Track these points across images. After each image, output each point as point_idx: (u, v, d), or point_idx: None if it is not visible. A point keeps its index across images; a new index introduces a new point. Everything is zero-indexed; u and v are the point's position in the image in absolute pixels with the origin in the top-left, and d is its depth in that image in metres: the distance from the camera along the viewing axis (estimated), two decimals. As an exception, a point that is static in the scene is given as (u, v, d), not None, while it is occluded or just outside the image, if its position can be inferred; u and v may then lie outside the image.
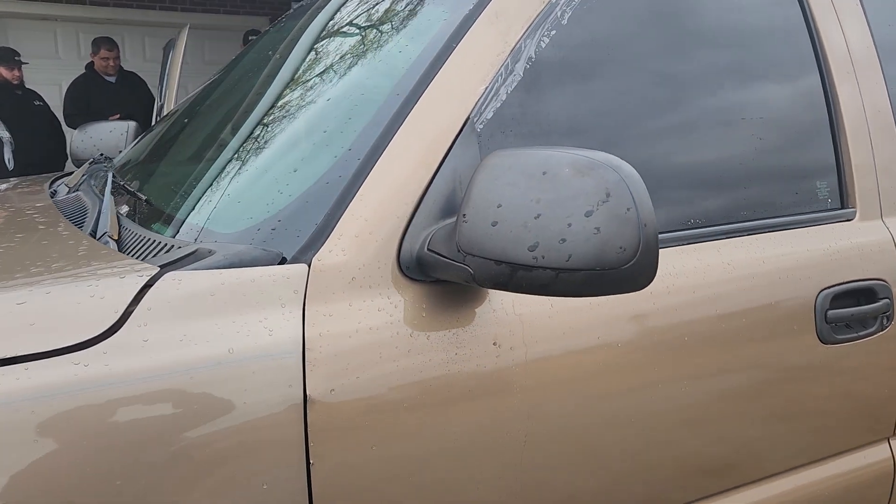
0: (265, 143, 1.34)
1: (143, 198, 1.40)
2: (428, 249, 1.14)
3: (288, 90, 1.45)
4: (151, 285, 1.04)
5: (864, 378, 1.54)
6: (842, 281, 1.50)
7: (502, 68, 1.28)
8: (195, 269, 1.08)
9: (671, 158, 1.41)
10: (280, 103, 1.43)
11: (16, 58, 5.57)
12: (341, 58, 1.44)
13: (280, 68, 1.54)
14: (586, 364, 1.24)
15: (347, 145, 1.22)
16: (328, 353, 1.07)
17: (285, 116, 1.38)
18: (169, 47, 3.74)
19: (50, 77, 7.53)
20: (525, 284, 0.99)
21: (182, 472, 0.99)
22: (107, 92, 5.80)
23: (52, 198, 1.69)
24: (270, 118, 1.40)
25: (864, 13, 1.68)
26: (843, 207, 1.58)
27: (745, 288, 1.39)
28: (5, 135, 4.19)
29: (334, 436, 1.07)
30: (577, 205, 0.95)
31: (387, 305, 1.13)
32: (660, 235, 1.32)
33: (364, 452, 1.09)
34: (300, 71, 1.49)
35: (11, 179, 2.28)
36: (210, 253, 1.11)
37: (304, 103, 1.38)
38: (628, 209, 0.94)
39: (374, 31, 1.45)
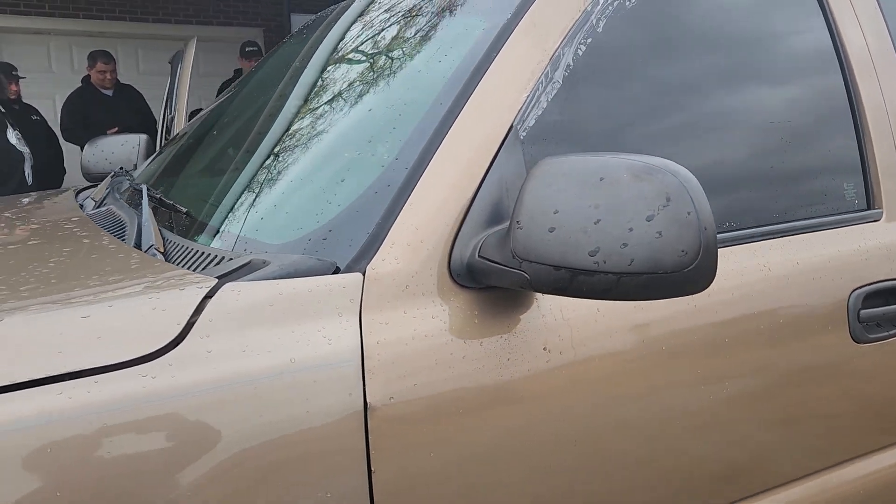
0: (307, 153, 1.35)
1: (184, 210, 1.41)
2: (479, 256, 1.15)
3: (325, 101, 1.46)
4: (211, 296, 1.05)
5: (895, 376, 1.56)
6: (872, 280, 1.52)
7: (542, 76, 1.30)
8: (252, 280, 1.08)
9: (704, 163, 1.43)
10: (318, 114, 1.44)
11: (13, 72, 5.56)
12: (378, 68, 1.45)
13: (313, 78, 1.55)
14: (632, 366, 1.26)
15: (394, 155, 1.23)
16: (386, 361, 1.08)
17: (325, 127, 1.39)
18: (177, 60, 3.74)
19: (44, 91, 7.50)
20: (585, 289, 1.01)
21: (246, 480, 0.99)
22: (104, 105, 5.79)
23: (82, 211, 1.70)
24: (310, 129, 1.41)
25: (882, 13, 1.71)
26: (869, 208, 1.61)
27: (780, 289, 1.41)
28: (25, 150, 4.17)
29: (394, 443, 1.08)
30: (637, 210, 0.97)
31: (439, 313, 1.14)
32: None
33: (423, 458, 1.10)
34: (336, 81, 1.50)
35: (32, 193, 2.28)
36: (264, 263, 1.12)
37: (343, 114, 1.39)
38: (689, 213, 0.95)
39: (410, 41, 1.47)
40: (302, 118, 1.46)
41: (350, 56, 1.54)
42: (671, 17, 1.46)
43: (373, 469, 1.06)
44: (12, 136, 4.06)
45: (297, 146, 1.39)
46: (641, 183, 0.98)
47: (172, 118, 3.27)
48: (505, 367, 1.16)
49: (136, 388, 0.94)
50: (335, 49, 1.60)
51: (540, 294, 1.22)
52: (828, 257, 1.47)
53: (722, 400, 1.34)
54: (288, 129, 1.45)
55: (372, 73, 1.45)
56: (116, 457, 0.92)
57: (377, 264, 1.13)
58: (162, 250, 1.28)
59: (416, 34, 1.47)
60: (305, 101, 1.51)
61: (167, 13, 8.18)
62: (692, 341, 1.31)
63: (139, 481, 0.93)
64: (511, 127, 1.25)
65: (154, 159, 2.12)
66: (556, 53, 1.32)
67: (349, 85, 1.46)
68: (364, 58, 1.50)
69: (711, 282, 0.99)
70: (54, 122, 6.09)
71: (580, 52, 1.34)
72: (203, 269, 1.18)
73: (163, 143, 3.93)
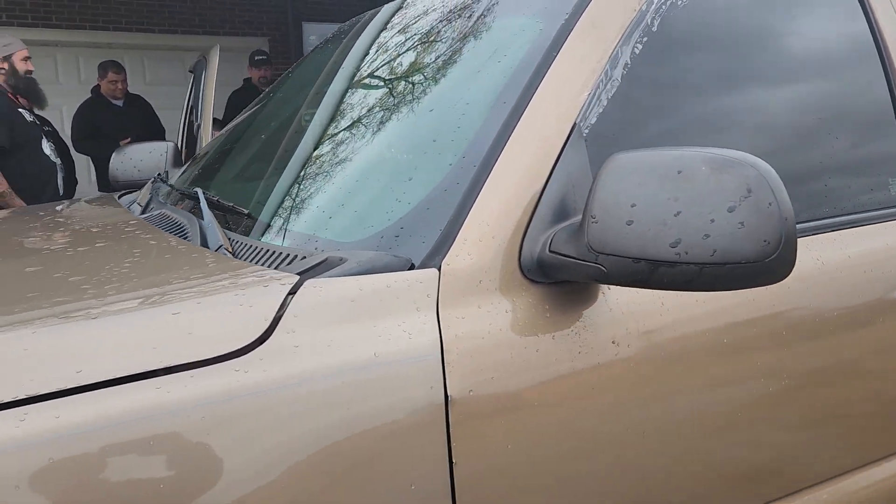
0: (370, 154, 1.37)
1: (245, 211, 1.43)
2: (550, 251, 1.17)
3: (384, 101, 1.49)
4: (294, 293, 1.07)
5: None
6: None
7: (602, 75, 1.32)
8: (332, 277, 1.10)
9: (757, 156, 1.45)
10: (379, 114, 1.46)
11: (26, 83, 5.57)
12: (434, 68, 1.47)
13: (369, 79, 1.57)
14: (696, 357, 1.27)
15: (461, 153, 1.25)
16: (464, 355, 1.10)
17: (387, 127, 1.41)
18: (200, 68, 3.76)
19: (51, 102, 7.50)
20: (667, 280, 1.03)
21: (333, 472, 1.01)
22: (115, 115, 5.80)
23: (134, 215, 1.71)
24: (372, 129, 1.43)
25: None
26: (915, 202, 1.63)
27: (835, 281, 1.43)
28: (58, 161, 4.20)
29: (473, 435, 1.09)
30: (718, 201, 0.99)
31: (512, 307, 1.16)
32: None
33: (501, 450, 1.11)
34: (392, 82, 1.52)
35: (72, 200, 2.29)
36: (341, 260, 1.14)
37: (404, 114, 1.41)
38: (770, 203, 0.97)
39: (465, 42, 1.49)
40: (362, 119, 1.48)
41: (405, 56, 1.56)
42: (720, 14, 1.49)
43: (454, 461, 1.08)
44: (46, 148, 4.08)
45: (359, 147, 1.41)
46: (721, 175, 1.00)
47: (198, 126, 3.29)
48: (577, 360, 1.18)
49: (230, 383, 0.96)
50: (387, 49, 1.62)
51: (606, 287, 1.24)
52: (880, 251, 1.50)
53: (782, 392, 1.35)
54: (348, 130, 1.47)
55: (429, 74, 1.47)
56: (215, 448, 0.93)
57: (451, 260, 1.14)
58: (230, 250, 1.29)
59: (470, 35, 1.50)
60: (363, 101, 1.53)
61: (173, 24, 8.21)
62: (753, 334, 1.33)
63: (236, 471, 0.94)
64: (574, 125, 1.27)
65: (193, 165, 2.14)
66: (615, 52, 1.34)
67: (407, 85, 1.48)
68: (419, 58, 1.53)
69: (790, 271, 1.01)
70: (63, 134, 6.10)
71: (637, 51, 1.37)
72: (276, 267, 1.20)
73: (184, 148, 3.93)
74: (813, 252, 1.43)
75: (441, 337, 1.09)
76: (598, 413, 1.19)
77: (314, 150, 1.47)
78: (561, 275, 1.17)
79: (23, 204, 3.81)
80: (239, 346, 0.99)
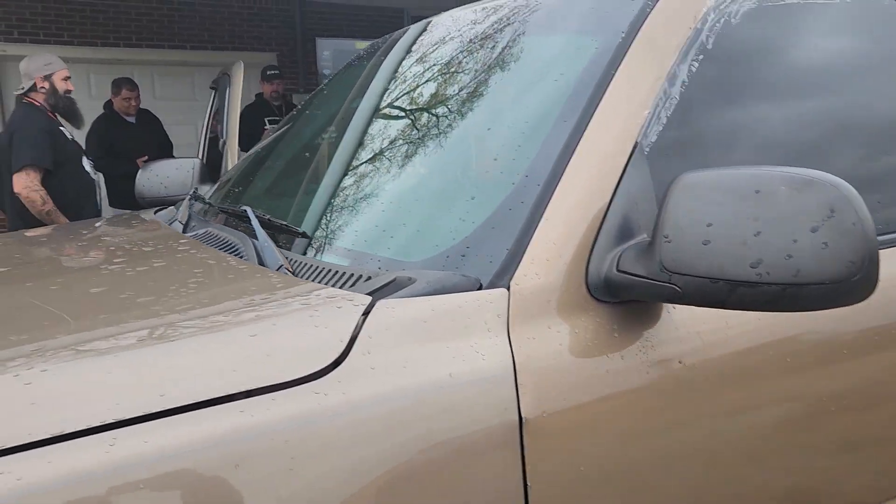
0: (430, 172, 1.37)
1: (298, 230, 1.42)
2: (618, 270, 1.17)
3: (439, 119, 1.48)
4: (368, 314, 1.06)
5: None
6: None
7: (661, 92, 1.32)
8: (404, 297, 1.10)
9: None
10: (435, 133, 1.46)
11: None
12: (488, 86, 1.47)
13: (420, 95, 1.57)
14: (762, 374, 1.27)
15: (523, 171, 1.25)
16: (536, 376, 1.09)
17: (445, 146, 1.41)
18: (223, 83, 3.77)
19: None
20: (746, 301, 1.02)
21: (410, 493, 1.00)
22: (129, 132, 5.81)
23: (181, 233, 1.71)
24: (429, 148, 1.43)
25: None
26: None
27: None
28: (96, 178, 4.19)
29: (547, 457, 1.08)
30: (800, 221, 0.99)
31: (581, 327, 1.15)
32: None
33: (574, 472, 1.10)
34: (445, 100, 1.52)
35: (110, 217, 2.28)
36: (410, 280, 1.14)
37: (461, 132, 1.41)
38: (854, 223, 0.97)
39: (519, 61, 1.49)
40: (417, 136, 1.48)
41: (457, 72, 1.55)
42: (774, 30, 1.49)
43: (528, 484, 1.07)
44: (86, 164, 4.08)
45: (416, 165, 1.41)
46: (802, 195, 1.00)
47: (224, 142, 3.30)
48: (645, 380, 1.17)
49: (311, 405, 0.95)
50: (439, 65, 1.61)
51: (670, 306, 1.23)
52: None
53: (847, 409, 1.35)
54: (404, 148, 1.46)
55: (483, 91, 1.47)
56: (299, 471, 0.92)
57: (520, 279, 1.14)
58: (291, 269, 1.29)
59: (523, 52, 1.50)
60: (418, 118, 1.52)
61: (182, 39, 8.25)
62: (818, 350, 1.32)
63: (320, 493, 0.93)
64: (636, 143, 1.27)
65: (229, 181, 2.13)
66: (672, 70, 1.34)
67: (462, 102, 1.48)
68: (472, 75, 1.53)
69: (874, 290, 1.00)
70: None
71: (693, 69, 1.37)
72: (341, 286, 1.19)
73: (205, 159, 3.92)
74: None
75: (513, 358, 1.09)
76: (668, 432, 1.18)
77: (369, 167, 1.47)
78: (630, 294, 1.16)
79: (66, 221, 3.80)
80: (317, 369, 0.99)
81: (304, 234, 1.42)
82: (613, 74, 1.32)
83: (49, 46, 7.59)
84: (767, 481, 1.29)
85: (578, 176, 1.22)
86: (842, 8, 1.56)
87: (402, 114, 1.53)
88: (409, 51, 1.69)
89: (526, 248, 1.16)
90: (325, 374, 0.99)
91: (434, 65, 1.61)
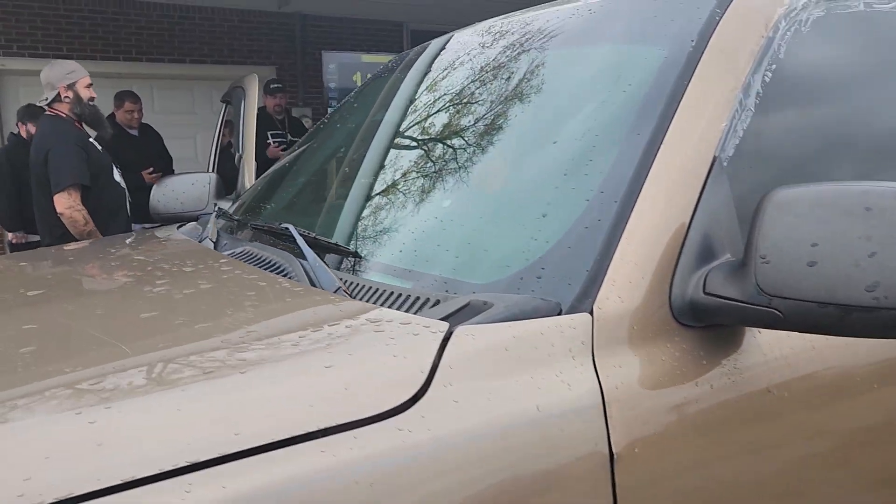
0: (494, 187, 1.30)
1: (350, 249, 1.34)
2: (705, 293, 1.09)
3: (500, 132, 1.41)
4: (447, 341, 0.98)
5: None
6: None
7: (737, 103, 1.25)
8: (482, 323, 1.02)
9: None
10: (496, 146, 1.39)
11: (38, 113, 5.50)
12: (552, 96, 1.40)
13: (477, 107, 1.50)
14: (852, 397, 1.20)
15: (597, 187, 1.18)
16: (625, 407, 1.02)
17: (509, 159, 1.34)
18: (237, 97, 3.69)
19: (59, 132, 7.45)
20: (861, 326, 0.95)
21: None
22: (132, 145, 5.73)
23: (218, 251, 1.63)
24: (492, 162, 1.36)
25: None
26: None
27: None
28: (126, 188, 4.06)
29: (640, 494, 1.01)
30: (920, 240, 0.92)
31: (668, 354, 1.08)
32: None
33: (666, 509, 1.03)
34: (504, 112, 1.45)
35: (130, 235, 2.20)
36: (486, 305, 1.06)
37: (524, 145, 1.34)
38: (980, 242, 0.90)
39: (582, 70, 1.42)
40: (479, 150, 1.40)
41: (514, 83, 1.48)
42: (841, 38, 1.43)
43: (620, 523, 0.99)
44: (117, 175, 3.96)
45: (481, 180, 1.33)
46: (921, 212, 0.93)
47: (240, 156, 3.23)
48: (736, 411, 1.10)
49: (396, 443, 0.87)
50: (495, 76, 1.54)
51: (756, 331, 1.16)
52: None
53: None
54: (465, 162, 1.39)
55: (545, 102, 1.40)
56: (388, 519, 0.84)
57: (602, 303, 1.06)
58: (348, 292, 1.21)
59: (585, 62, 1.43)
60: (477, 131, 1.45)
61: (182, 53, 8.18)
62: (904, 377, 1.25)
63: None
64: (715, 157, 1.20)
65: (257, 197, 2.05)
66: (747, 80, 1.28)
67: (521, 115, 1.41)
68: (531, 86, 1.46)
69: None
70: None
71: (767, 79, 1.30)
72: (408, 310, 1.11)
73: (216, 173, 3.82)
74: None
75: (601, 388, 1.01)
76: (760, 462, 1.10)
77: (426, 183, 1.39)
78: (720, 318, 1.09)
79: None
80: (399, 402, 0.91)
81: (355, 254, 1.34)
82: (686, 85, 1.25)
83: (48, 61, 7.51)
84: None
85: (657, 192, 1.15)
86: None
87: (459, 126, 1.45)
88: (456, 60, 1.62)
89: (606, 269, 1.09)
90: (407, 409, 0.91)
91: (488, 74, 1.54)
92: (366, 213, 1.46)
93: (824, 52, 1.39)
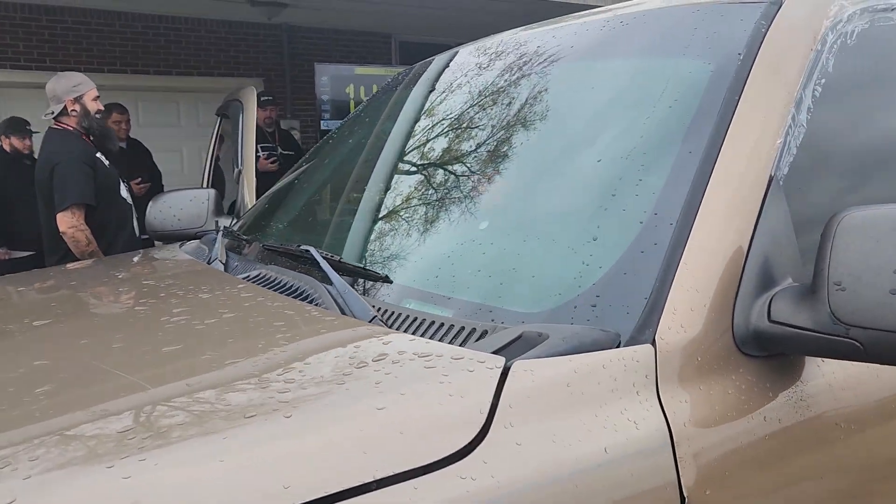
0: (537, 209, 1.22)
1: (380, 274, 1.26)
2: (771, 321, 1.03)
3: (539, 149, 1.34)
4: (505, 378, 0.91)
5: None
6: None
7: (790, 119, 1.19)
8: (539, 357, 0.94)
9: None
10: (535, 163, 1.31)
11: (27, 127, 5.38)
12: (592, 112, 1.34)
13: (509, 122, 1.42)
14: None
15: (650, 209, 1.11)
16: (695, 446, 0.95)
17: (552, 179, 1.27)
18: (235, 110, 3.60)
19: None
20: (953, 358, 0.89)
21: None
22: (121, 157, 5.61)
23: (231, 275, 1.54)
24: (533, 181, 1.28)
25: None
26: None
27: None
28: (132, 203, 3.93)
29: (711, 540, 0.93)
30: None
31: (734, 387, 1.01)
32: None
33: (739, 556, 0.95)
34: (542, 128, 1.38)
35: (130, 256, 2.10)
36: (541, 336, 0.99)
37: (566, 164, 1.27)
38: None
39: (622, 83, 1.36)
40: (518, 168, 1.33)
41: (547, 99, 1.41)
42: (886, 50, 1.37)
43: (694, 574, 0.92)
44: (123, 190, 3.84)
45: (522, 200, 1.26)
46: None
47: (239, 172, 3.13)
48: (803, 442, 1.03)
49: (460, 492, 0.80)
50: (520, 90, 1.46)
51: (819, 360, 1.10)
52: None
53: None
54: (504, 182, 1.31)
55: (584, 119, 1.33)
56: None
57: (664, 333, 0.99)
58: (384, 321, 1.13)
59: (625, 76, 1.37)
60: (515, 148, 1.37)
61: (168, 65, 8.06)
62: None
63: None
64: (772, 176, 1.13)
65: (264, 215, 1.97)
66: (798, 95, 1.22)
67: (561, 130, 1.34)
68: (567, 102, 1.39)
69: None
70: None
71: (817, 94, 1.24)
72: (452, 342, 1.04)
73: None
74: None
75: (668, 426, 0.94)
76: (830, 492, 1.04)
77: (462, 204, 1.32)
78: (787, 348, 1.02)
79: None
80: (459, 447, 0.83)
81: (385, 278, 1.26)
82: (738, 100, 1.19)
83: (30, 72, 7.38)
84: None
85: (714, 214, 1.08)
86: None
87: (494, 142, 1.38)
88: (485, 72, 1.54)
89: (666, 296, 1.02)
90: (468, 454, 0.83)
91: (520, 87, 1.46)
92: (393, 234, 1.38)
93: (870, 64, 1.34)
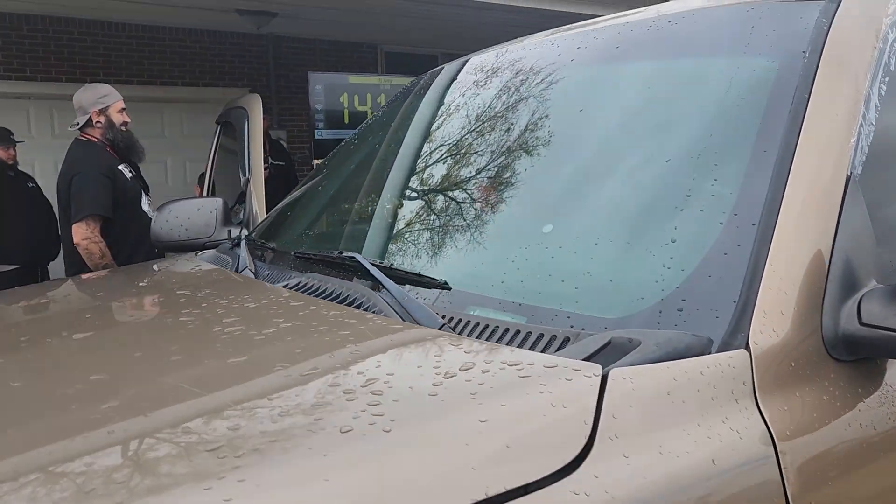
0: (608, 210, 1.18)
1: (439, 280, 1.21)
2: (862, 324, 0.99)
3: (600, 148, 1.30)
4: (604, 386, 0.86)
5: None
6: None
7: (860, 118, 1.16)
8: (635, 364, 0.90)
9: None
10: (599, 165, 1.27)
11: (10, 136, 5.25)
12: (653, 112, 1.30)
13: (570, 121, 1.38)
14: None
15: (729, 210, 1.07)
16: (797, 455, 0.91)
17: (621, 178, 1.23)
18: (240, 119, 3.52)
19: (23, 157, 7.12)
20: None
21: None
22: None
23: (266, 281, 1.48)
24: (601, 179, 1.24)
25: None
26: None
27: None
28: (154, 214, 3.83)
29: (818, 553, 0.89)
30: None
31: (828, 392, 0.97)
32: None
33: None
34: (605, 127, 1.34)
35: (152, 265, 2.02)
36: (632, 343, 0.94)
37: (635, 163, 1.23)
38: None
39: (684, 81, 1.32)
40: (580, 169, 1.29)
41: (608, 98, 1.37)
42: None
43: (801, 590, 0.88)
44: (145, 204, 3.75)
45: (592, 199, 1.22)
46: None
47: (247, 181, 3.05)
48: (893, 443, 0.99)
49: (576, 511, 0.75)
50: (577, 89, 1.42)
51: (898, 361, 1.07)
52: None
53: None
54: (568, 184, 1.27)
55: (648, 117, 1.29)
56: None
57: (756, 337, 0.95)
58: (453, 328, 1.08)
59: (686, 76, 1.33)
60: (579, 147, 1.33)
61: (152, 75, 7.95)
62: None
63: None
64: (849, 175, 1.10)
65: (292, 222, 1.91)
66: (867, 93, 1.19)
67: (625, 130, 1.30)
68: (628, 100, 1.35)
69: None
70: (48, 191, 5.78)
71: (883, 91, 1.22)
72: (533, 349, 0.99)
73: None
74: None
75: (771, 434, 0.90)
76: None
77: (525, 206, 1.27)
78: (880, 352, 0.99)
79: None
80: (568, 460, 0.78)
81: (443, 285, 1.21)
82: (808, 98, 1.16)
83: (11, 83, 7.24)
84: None
85: (795, 214, 1.05)
86: None
87: (557, 142, 1.33)
88: (531, 72, 1.50)
89: (755, 299, 0.98)
90: (576, 467, 0.78)
91: (576, 87, 1.42)
92: (446, 239, 1.33)
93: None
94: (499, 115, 1.45)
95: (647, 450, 0.83)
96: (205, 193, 4.28)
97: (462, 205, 1.36)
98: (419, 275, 1.24)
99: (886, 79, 1.24)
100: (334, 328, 1.08)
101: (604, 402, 0.84)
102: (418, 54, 9.41)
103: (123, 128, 3.76)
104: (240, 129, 3.49)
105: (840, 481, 0.93)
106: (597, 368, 0.88)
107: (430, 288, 1.23)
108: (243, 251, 1.76)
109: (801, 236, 1.04)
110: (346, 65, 8.74)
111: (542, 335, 1.01)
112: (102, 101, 3.68)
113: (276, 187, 4.79)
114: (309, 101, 6.10)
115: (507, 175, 1.34)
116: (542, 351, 0.98)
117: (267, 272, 1.60)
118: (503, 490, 0.73)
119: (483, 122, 1.46)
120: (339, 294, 1.29)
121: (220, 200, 2.62)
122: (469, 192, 1.37)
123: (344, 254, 1.39)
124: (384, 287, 1.22)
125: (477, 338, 1.05)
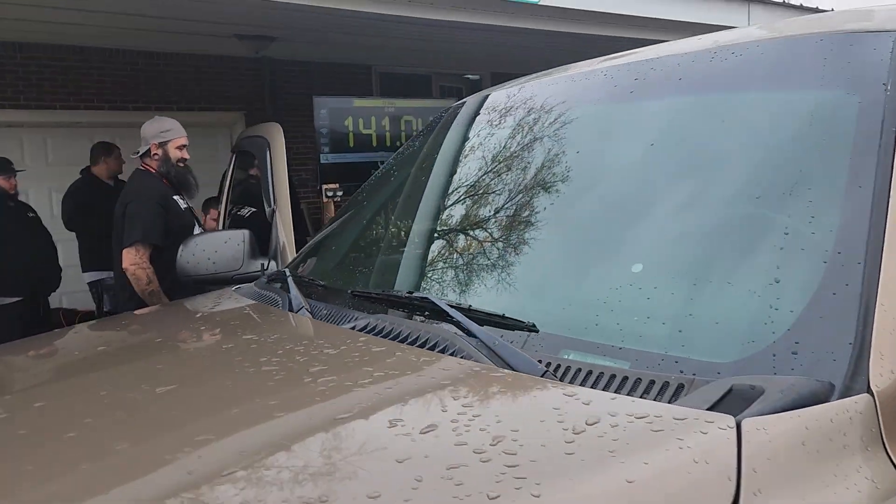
0: (700, 250, 1.16)
1: (526, 322, 1.19)
2: (979, 363, 0.97)
3: (682, 184, 1.28)
4: (740, 439, 0.84)
5: None
6: None
7: (949, 150, 1.16)
8: (765, 414, 0.88)
9: None
10: (684, 203, 1.26)
11: (11, 166, 5.19)
12: (733, 147, 1.29)
13: (636, 157, 1.36)
14: None
15: (831, 248, 1.06)
16: (931, 502, 0.88)
17: (703, 218, 1.21)
18: (261, 148, 3.49)
19: (18, 187, 7.05)
20: None
21: None
22: (109, 196, 5.47)
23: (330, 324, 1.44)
24: (684, 222, 1.22)
25: None
26: None
27: None
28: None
29: None
30: None
31: (952, 436, 0.95)
32: None
33: None
34: (682, 161, 1.32)
35: (195, 303, 1.98)
36: (755, 390, 0.92)
37: (719, 202, 1.21)
38: None
39: (761, 116, 1.31)
40: (665, 207, 1.27)
41: (681, 133, 1.36)
42: None
43: None
44: (181, 203, 3.83)
45: (678, 242, 1.20)
46: None
47: (273, 211, 3.02)
48: None
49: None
50: (641, 122, 1.41)
51: None
52: None
53: None
54: (655, 222, 1.25)
55: (727, 152, 1.28)
56: None
57: (877, 380, 0.94)
58: (554, 374, 1.05)
59: (759, 110, 1.32)
60: (654, 184, 1.32)
61: (148, 100, 7.89)
62: None
63: None
64: (946, 210, 1.09)
65: (344, 258, 1.87)
66: (950, 124, 1.18)
67: (702, 168, 1.28)
68: (703, 136, 1.34)
69: None
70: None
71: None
72: (644, 396, 0.97)
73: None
74: None
75: (904, 482, 0.88)
76: None
77: (610, 245, 1.25)
78: None
79: (167, 301, 3.49)
80: (720, 521, 0.76)
81: (531, 328, 1.19)
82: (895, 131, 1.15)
83: (4, 111, 7.16)
84: None
85: (898, 251, 1.04)
86: None
87: (634, 182, 1.31)
88: (598, 101, 1.48)
89: (870, 340, 0.96)
90: (729, 528, 0.76)
91: (646, 120, 1.41)
92: (527, 280, 1.31)
93: None
94: (577, 147, 1.44)
95: (791, 504, 0.80)
96: (222, 226, 4.24)
97: (539, 241, 1.33)
98: (503, 316, 1.22)
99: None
100: (431, 377, 1.05)
101: (742, 456, 0.82)
102: (412, 74, 9.43)
103: (181, 164, 3.83)
104: (261, 158, 3.46)
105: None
106: (729, 419, 0.86)
107: (514, 330, 1.20)
108: (293, 289, 1.72)
109: (906, 274, 1.02)
110: (342, 86, 8.73)
111: (653, 381, 0.99)
112: (163, 135, 3.80)
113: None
114: (314, 124, 6.07)
115: (589, 213, 1.32)
116: (657, 399, 0.96)
117: (324, 311, 1.57)
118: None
119: (561, 155, 1.44)
120: (417, 337, 1.26)
121: (247, 233, 2.59)
122: (546, 228, 1.35)
123: (414, 293, 1.36)
124: (467, 330, 1.19)
125: (581, 384, 1.02)
